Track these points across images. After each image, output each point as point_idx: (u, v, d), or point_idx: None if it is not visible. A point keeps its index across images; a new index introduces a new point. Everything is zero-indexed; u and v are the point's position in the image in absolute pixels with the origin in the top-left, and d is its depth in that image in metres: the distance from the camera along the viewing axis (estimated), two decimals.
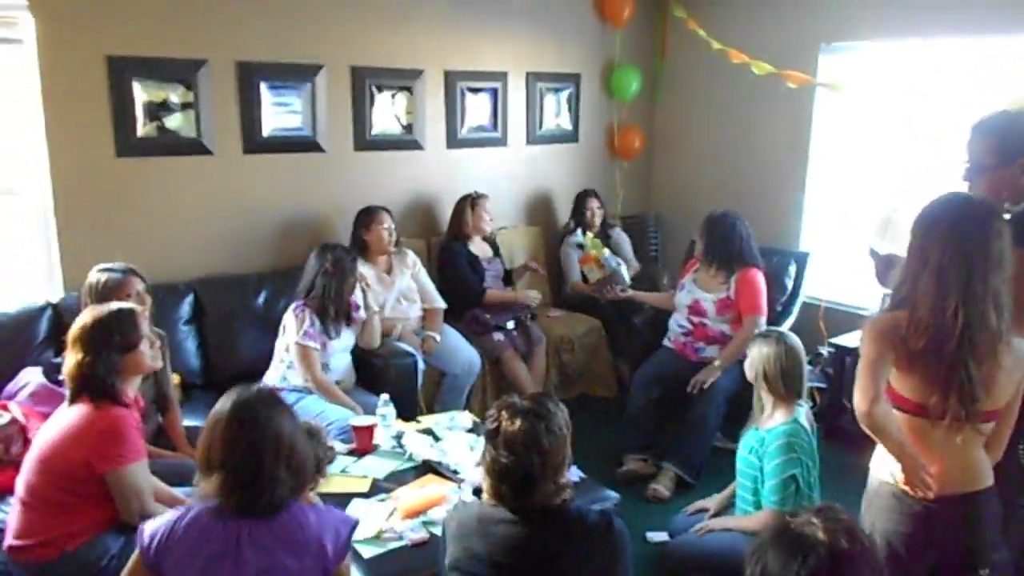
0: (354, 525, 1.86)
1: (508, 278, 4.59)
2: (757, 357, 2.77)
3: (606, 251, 4.43)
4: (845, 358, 4.12)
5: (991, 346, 1.82)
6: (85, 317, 2.31)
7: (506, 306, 4.37)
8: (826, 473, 2.81)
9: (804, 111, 4.75)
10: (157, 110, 3.64)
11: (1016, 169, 2.12)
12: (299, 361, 3.32)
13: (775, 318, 4.30)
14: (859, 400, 1.91)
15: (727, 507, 2.96)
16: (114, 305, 2.43)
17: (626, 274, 4.49)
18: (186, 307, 3.65)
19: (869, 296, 4.23)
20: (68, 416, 2.25)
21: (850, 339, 4.14)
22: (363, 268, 3.86)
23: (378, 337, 3.66)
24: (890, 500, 1.95)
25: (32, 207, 3.49)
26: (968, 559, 1.91)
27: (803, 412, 2.74)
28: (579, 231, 4.83)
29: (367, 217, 3.99)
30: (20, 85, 3.35)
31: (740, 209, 4.92)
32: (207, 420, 1.78)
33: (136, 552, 1.73)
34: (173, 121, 3.69)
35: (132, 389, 2.39)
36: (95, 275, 2.90)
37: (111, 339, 2.28)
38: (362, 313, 3.59)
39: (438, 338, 4.01)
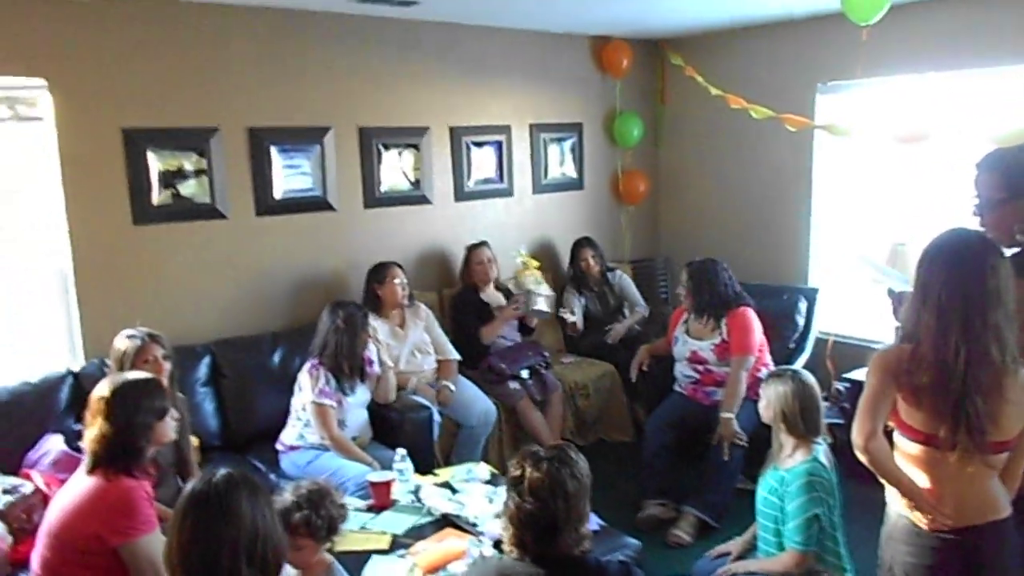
0: None
1: (524, 327, 4.61)
2: (773, 397, 2.77)
3: (530, 277, 4.45)
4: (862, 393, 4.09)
5: (996, 380, 1.84)
6: (107, 386, 2.29)
7: (520, 354, 4.39)
8: (848, 511, 2.79)
9: (806, 148, 4.81)
10: (172, 178, 3.74)
11: None
12: (315, 419, 3.34)
13: (788, 356, 4.31)
14: (856, 435, 1.94)
15: (749, 550, 2.94)
16: (139, 374, 2.43)
17: (544, 305, 4.45)
18: (204, 369, 3.69)
19: (882, 330, 4.23)
20: (79, 488, 2.22)
21: (865, 373, 4.11)
22: (376, 323, 3.91)
23: (393, 392, 3.69)
24: (907, 534, 1.95)
25: (53, 277, 3.57)
26: None
27: (822, 450, 2.74)
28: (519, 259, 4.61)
29: (380, 272, 4.04)
30: (40, 160, 3.46)
31: (747, 247, 5.00)
32: (172, 516, 1.69)
33: None
34: (187, 188, 3.79)
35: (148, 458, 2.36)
36: (121, 341, 2.93)
37: (140, 408, 2.26)
38: (376, 368, 3.62)
39: (453, 388, 4.03)
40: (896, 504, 1.99)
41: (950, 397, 1.83)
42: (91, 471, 2.23)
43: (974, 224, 2.24)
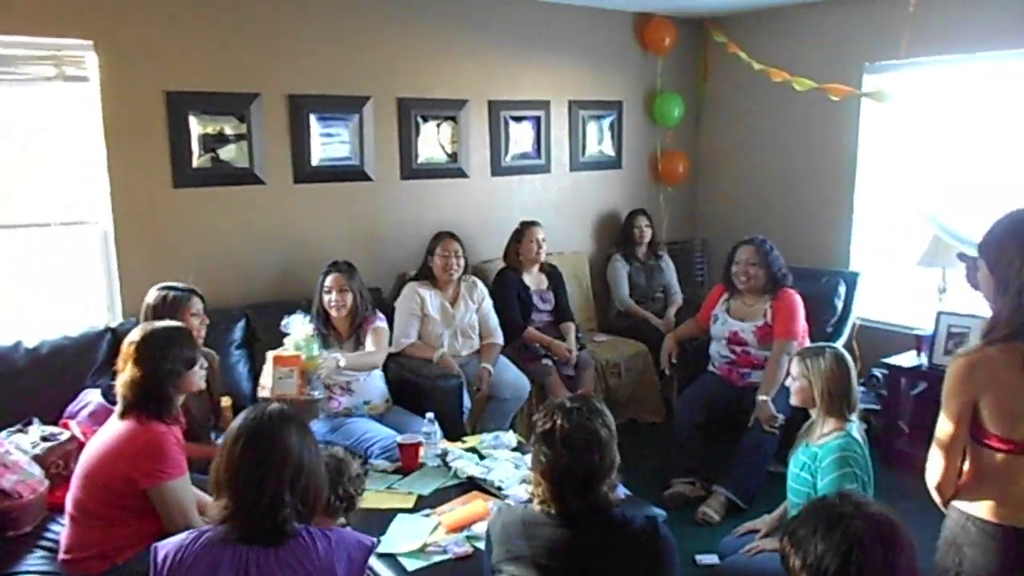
0: (370, 549, 1.76)
1: (559, 313, 4.50)
2: (817, 373, 2.70)
3: (322, 359, 3.11)
4: (900, 379, 4.01)
5: None
6: (138, 333, 2.35)
7: (555, 335, 4.36)
8: (881, 497, 2.72)
9: (850, 129, 4.71)
10: (212, 142, 3.78)
11: None
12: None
13: (825, 340, 4.20)
14: (932, 479, 1.86)
15: (778, 528, 2.89)
16: (170, 323, 2.48)
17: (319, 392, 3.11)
18: (238, 332, 3.73)
19: (923, 316, 4.13)
20: (111, 432, 2.28)
21: (903, 359, 4.04)
22: (428, 294, 3.91)
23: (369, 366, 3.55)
24: (981, 537, 1.83)
25: (94, 236, 3.64)
26: None
27: (855, 427, 2.68)
28: (294, 318, 3.18)
29: (432, 242, 4.02)
30: (85, 120, 3.52)
31: (788, 230, 4.91)
32: (223, 439, 1.75)
33: None
34: (227, 152, 3.83)
35: (177, 406, 2.40)
36: (156, 293, 2.98)
37: (170, 355, 2.31)
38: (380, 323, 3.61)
39: (492, 371, 3.96)
40: (965, 506, 1.86)
41: None
42: (123, 416, 2.28)
43: None
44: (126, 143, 3.56)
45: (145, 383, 2.27)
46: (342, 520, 2.18)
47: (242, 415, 1.74)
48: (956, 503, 1.88)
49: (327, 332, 3.51)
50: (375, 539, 1.84)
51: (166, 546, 1.67)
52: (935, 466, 1.85)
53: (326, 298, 3.51)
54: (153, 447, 2.21)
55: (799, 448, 2.80)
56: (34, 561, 2.45)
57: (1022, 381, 1.71)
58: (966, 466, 1.88)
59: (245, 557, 1.62)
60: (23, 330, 3.29)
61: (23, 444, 2.74)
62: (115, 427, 2.29)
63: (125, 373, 2.29)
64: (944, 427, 1.81)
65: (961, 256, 2.57)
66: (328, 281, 3.52)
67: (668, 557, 1.77)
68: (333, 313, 3.51)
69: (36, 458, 2.69)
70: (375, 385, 3.58)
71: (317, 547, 1.66)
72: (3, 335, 3.23)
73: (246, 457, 1.66)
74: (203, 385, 2.51)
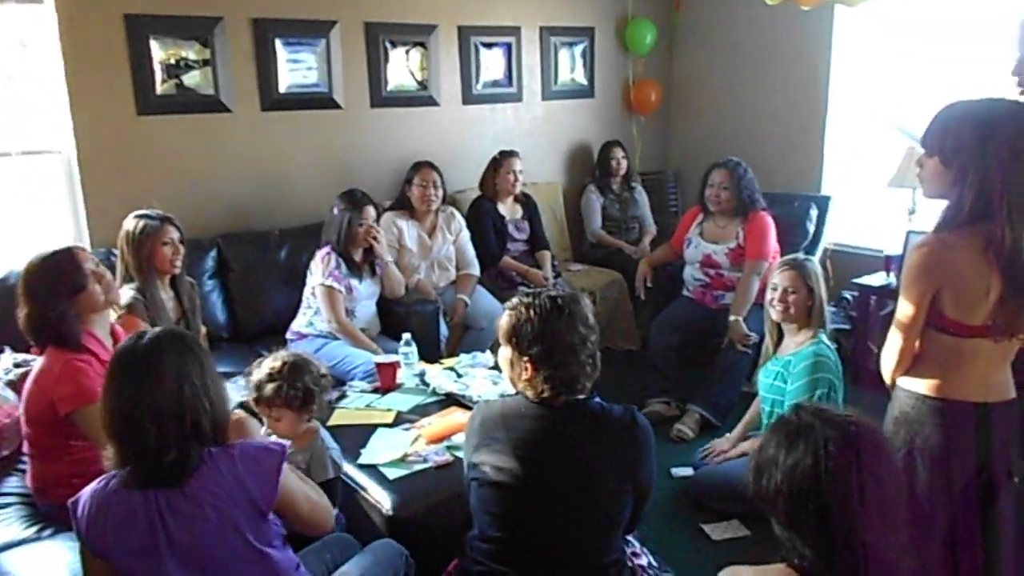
0: (280, 452, 1.65)
1: (535, 242, 4.51)
2: (817, 279, 2.74)
3: None
4: (871, 297, 4.08)
5: None
6: (24, 267, 2.28)
7: (530, 264, 4.38)
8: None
9: (823, 53, 4.71)
10: (175, 68, 3.66)
11: None
12: (324, 303, 3.35)
13: None
14: (890, 366, 1.90)
15: (744, 436, 3.01)
16: (51, 250, 2.34)
17: None
18: (210, 262, 3.69)
19: (893, 238, 4.18)
20: (37, 366, 2.26)
21: (873, 279, 4.11)
22: (405, 224, 3.89)
23: (400, 286, 3.69)
24: (933, 413, 1.87)
25: (58, 165, 3.54)
26: (1009, 465, 1.87)
27: (825, 335, 2.74)
28: None
29: (410, 172, 3.96)
30: (42, 45, 3.39)
31: (761, 156, 4.92)
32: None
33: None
34: (191, 79, 3.72)
35: (99, 328, 2.33)
36: (131, 222, 2.90)
37: (55, 286, 2.22)
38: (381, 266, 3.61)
39: (468, 302, 3.98)
40: (916, 385, 1.90)
41: (1017, 279, 1.72)
42: (42, 350, 2.27)
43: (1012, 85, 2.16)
44: (86, 69, 3.44)
45: (38, 316, 2.21)
46: (309, 419, 2.23)
47: (117, 347, 1.66)
48: (905, 384, 1.93)
49: (349, 264, 3.46)
50: (287, 443, 1.78)
51: (81, 497, 1.60)
52: (893, 347, 1.89)
53: (360, 231, 3.44)
54: (67, 373, 2.17)
55: (768, 362, 2.85)
56: (13, 485, 2.44)
57: (982, 267, 1.73)
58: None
59: (155, 500, 1.55)
60: None
61: None
62: (39, 361, 2.27)
63: (20, 313, 2.24)
64: (905, 311, 1.84)
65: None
66: (370, 213, 3.48)
67: (645, 444, 1.81)
68: (363, 246, 3.50)
69: (10, 384, 2.66)
70: (371, 312, 3.61)
71: (220, 469, 1.58)
72: None
73: (120, 403, 1.55)
74: (115, 299, 2.42)
